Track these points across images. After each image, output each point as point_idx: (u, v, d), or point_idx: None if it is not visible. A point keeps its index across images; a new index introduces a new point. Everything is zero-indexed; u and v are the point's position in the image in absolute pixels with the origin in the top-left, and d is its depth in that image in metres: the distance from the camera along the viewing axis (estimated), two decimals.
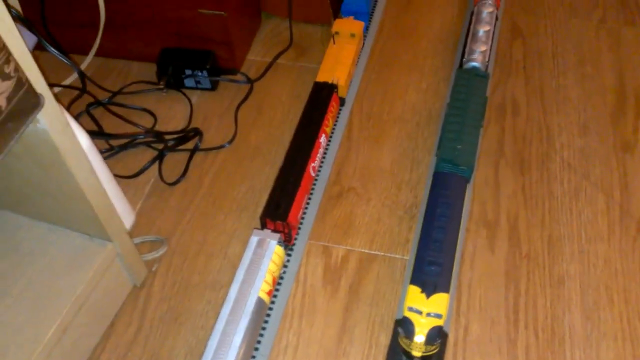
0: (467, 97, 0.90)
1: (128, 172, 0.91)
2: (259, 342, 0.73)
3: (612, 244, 0.81)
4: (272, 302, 0.76)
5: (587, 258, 0.80)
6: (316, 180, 0.89)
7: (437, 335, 0.67)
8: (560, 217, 0.85)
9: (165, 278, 0.80)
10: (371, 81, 1.04)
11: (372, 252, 0.82)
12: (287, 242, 0.80)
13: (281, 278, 0.79)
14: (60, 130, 0.56)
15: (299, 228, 0.84)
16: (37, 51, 1.01)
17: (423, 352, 0.67)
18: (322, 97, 0.90)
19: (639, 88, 1.01)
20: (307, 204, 0.86)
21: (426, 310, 0.67)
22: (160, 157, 0.91)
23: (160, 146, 0.92)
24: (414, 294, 0.68)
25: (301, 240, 0.83)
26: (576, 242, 0.82)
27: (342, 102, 0.97)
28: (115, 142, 0.94)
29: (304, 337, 0.74)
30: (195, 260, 0.82)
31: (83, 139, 0.71)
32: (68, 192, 0.64)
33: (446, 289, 0.69)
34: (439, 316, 0.67)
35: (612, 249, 0.81)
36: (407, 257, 0.81)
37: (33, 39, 0.87)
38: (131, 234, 0.82)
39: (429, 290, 0.68)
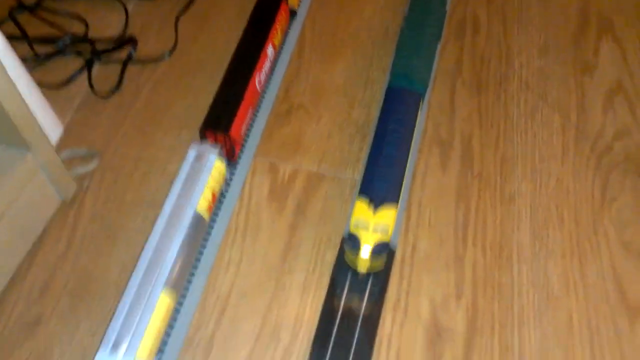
0: (425, 11, 0.85)
1: (57, 82, 0.83)
2: (198, 258, 0.69)
3: (565, 164, 0.80)
4: (213, 220, 0.72)
5: (540, 177, 0.78)
6: (263, 96, 0.83)
7: (383, 250, 0.64)
8: (515, 137, 0.82)
9: (97, 194, 0.75)
10: None
11: (321, 171, 0.79)
12: (230, 158, 0.75)
13: (223, 195, 0.74)
14: None
15: (244, 145, 0.79)
16: None
17: (369, 267, 0.65)
18: (269, 4, 0.84)
19: (602, 9, 0.97)
20: (253, 120, 0.81)
21: (373, 224, 0.64)
22: (89, 65, 0.83)
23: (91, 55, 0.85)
24: (361, 208, 0.65)
25: (246, 158, 0.78)
26: (529, 162, 0.80)
27: (293, 14, 0.91)
28: (43, 51, 0.86)
29: (247, 255, 0.71)
30: (131, 177, 0.76)
31: None
32: None
33: (394, 203, 0.66)
34: (385, 230, 0.64)
35: (565, 169, 0.79)
36: (357, 176, 0.78)
37: None
38: (59, 147, 0.76)
39: (376, 204, 0.65)
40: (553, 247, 0.72)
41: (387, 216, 0.65)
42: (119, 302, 0.59)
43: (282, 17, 0.85)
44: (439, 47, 0.89)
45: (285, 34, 0.89)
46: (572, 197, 0.77)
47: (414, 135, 0.74)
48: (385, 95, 0.77)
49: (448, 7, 0.93)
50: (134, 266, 0.62)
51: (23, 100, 0.62)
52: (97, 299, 0.67)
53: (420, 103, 0.78)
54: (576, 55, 0.91)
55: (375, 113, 0.84)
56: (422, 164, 0.79)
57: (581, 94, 0.87)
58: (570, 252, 0.72)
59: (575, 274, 0.70)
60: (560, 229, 0.74)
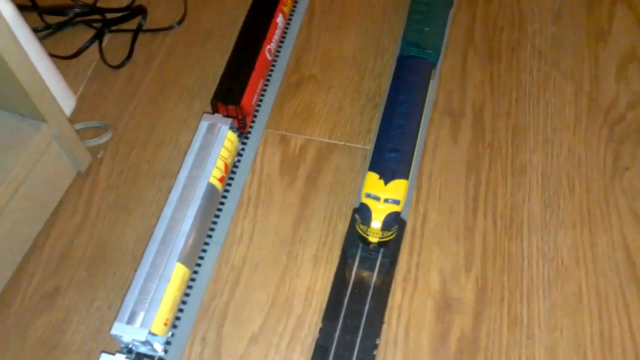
0: None
1: (68, 53, 0.83)
2: (212, 229, 0.70)
3: (577, 134, 0.79)
4: (226, 191, 0.73)
5: (551, 147, 0.78)
6: (274, 66, 0.83)
7: (394, 222, 0.65)
8: (527, 106, 0.82)
9: (112, 166, 0.75)
10: None
11: (332, 141, 0.79)
12: (242, 130, 0.76)
13: (236, 167, 0.75)
14: None
15: (255, 116, 0.79)
16: None
17: (380, 238, 0.66)
18: None
19: None
20: (264, 90, 0.81)
21: (384, 197, 0.64)
22: (100, 36, 0.83)
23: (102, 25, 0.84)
24: (372, 180, 0.66)
25: (257, 129, 0.79)
26: (541, 132, 0.79)
27: None
28: (52, 21, 0.85)
29: (259, 226, 0.72)
30: (144, 148, 0.77)
31: (6, 6, 0.63)
32: None
33: (405, 176, 0.66)
34: (396, 202, 0.64)
35: (577, 138, 0.79)
36: (368, 147, 0.78)
37: None
38: (73, 119, 0.77)
39: (387, 176, 0.65)
40: (564, 218, 0.72)
41: (398, 188, 0.65)
42: (135, 272, 0.61)
43: None
44: (451, 14, 0.88)
45: (295, 3, 0.88)
46: (583, 167, 0.77)
47: (425, 104, 0.74)
48: (397, 63, 0.76)
49: None
50: (150, 237, 0.63)
51: (36, 71, 0.62)
52: (114, 270, 0.68)
53: (432, 72, 0.77)
54: (590, 22, 0.90)
55: (386, 82, 0.84)
56: (433, 135, 0.79)
57: (594, 62, 0.86)
58: (581, 223, 0.72)
59: (586, 244, 0.70)
60: (571, 199, 0.74)
